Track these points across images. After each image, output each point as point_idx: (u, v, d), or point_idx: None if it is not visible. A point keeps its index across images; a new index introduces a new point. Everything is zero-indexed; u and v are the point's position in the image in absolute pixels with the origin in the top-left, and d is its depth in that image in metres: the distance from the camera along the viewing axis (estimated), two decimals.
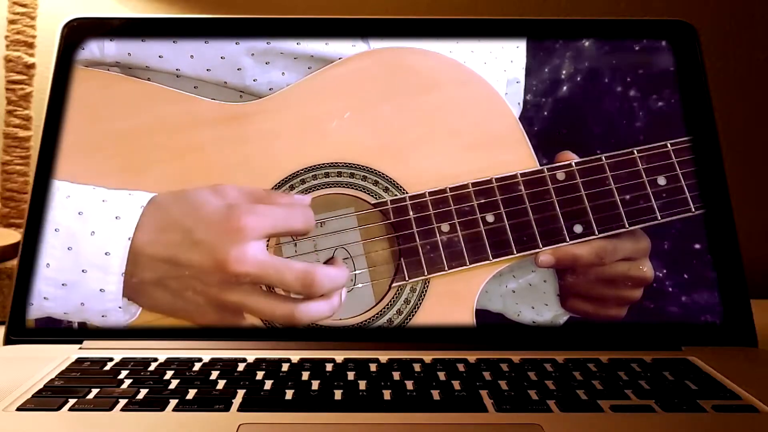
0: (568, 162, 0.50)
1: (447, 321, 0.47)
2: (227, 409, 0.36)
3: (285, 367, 0.42)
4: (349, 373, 0.41)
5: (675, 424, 0.35)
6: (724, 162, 0.50)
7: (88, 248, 0.46)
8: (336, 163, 0.50)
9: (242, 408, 0.36)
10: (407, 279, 0.48)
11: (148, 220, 0.47)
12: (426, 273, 0.48)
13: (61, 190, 0.49)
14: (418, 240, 0.49)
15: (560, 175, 0.50)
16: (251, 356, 0.43)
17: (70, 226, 0.47)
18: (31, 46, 0.65)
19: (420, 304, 0.48)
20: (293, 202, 0.49)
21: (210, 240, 0.46)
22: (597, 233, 0.49)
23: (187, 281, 0.46)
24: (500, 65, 0.53)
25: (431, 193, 0.49)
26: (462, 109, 0.51)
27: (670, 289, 0.48)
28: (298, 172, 0.50)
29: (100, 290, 0.46)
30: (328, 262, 0.48)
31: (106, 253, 0.46)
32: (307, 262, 0.48)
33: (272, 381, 0.39)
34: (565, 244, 0.49)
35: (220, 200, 0.47)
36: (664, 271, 0.49)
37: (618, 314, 0.48)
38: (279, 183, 0.49)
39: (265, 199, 0.48)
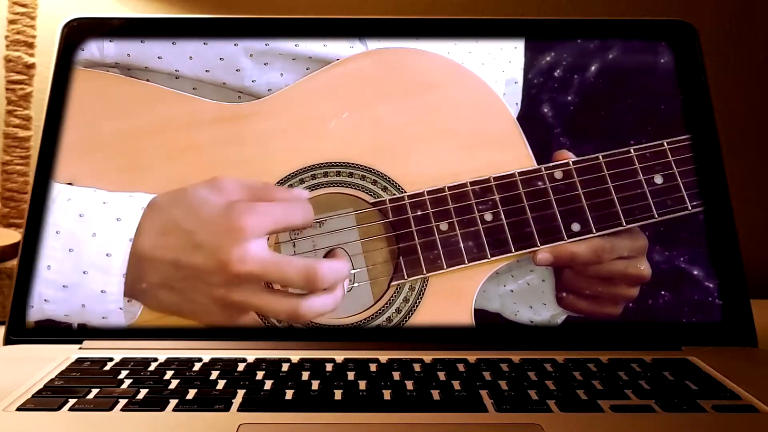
0: (566, 161, 0.50)
1: (446, 319, 0.47)
2: (227, 409, 0.36)
3: (285, 367, 0.42)
4: (349, 373, 0.41)
5: (675, 424, 0.35)
6: (724, 162, 0.50)
7: (89, 250, 0.46)
8: (335, 162, 0.50)
9: (242, 408, 0.36)
10: (406, 277, 0.48)
11: (149, 222, 0.47)
12: (425, 271, 0.48)
13: (62, 194, 0.48)
14: (416, 239, 0.49)
15: (558, 174, 0.50)
16: (251, 356, 0.43)
17: (71, 228, 0.47)
18: (31, 46, 0.65)
19: (419, 302, 0.48)
20: (291, 196, 0.49)
21: (211, 242, 0.46)
22: (594, 231, 0.49)
23: (191, 283, 0.46)
24: (498, 66, 0.53)
25: (430, 192, 0.49)
26: (460, 109, 0.51)
27: (670, 289, 0.48)
28: (296, 171, 0.50)
29: (101, 291, 0.46)
30: (329, 255, 0.49)
31: (107, 255, 0.46)
32: (309, 258, 0.48)
33: (272, 381, 0.39)
34: (562, 242, 0.49)
35: (219, 198, 0.47)
36: (664, 270, 0.49)
37: (614, 312, 0.48)
38: (278, 183, 0.49)
39: (262, 192, 0.48)
